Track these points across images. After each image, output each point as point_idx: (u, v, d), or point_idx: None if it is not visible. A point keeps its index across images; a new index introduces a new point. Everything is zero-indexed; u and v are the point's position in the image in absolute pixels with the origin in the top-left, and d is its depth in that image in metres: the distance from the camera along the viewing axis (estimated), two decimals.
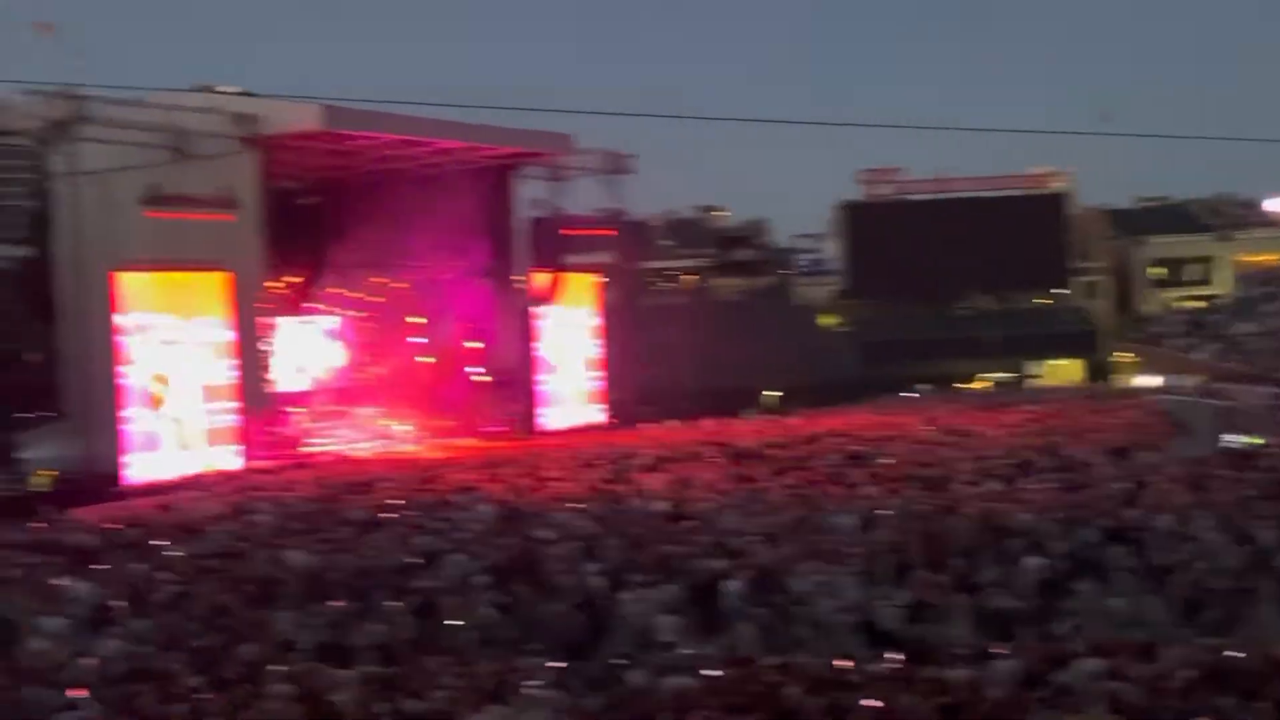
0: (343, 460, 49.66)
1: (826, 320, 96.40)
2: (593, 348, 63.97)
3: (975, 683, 13.79)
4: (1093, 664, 14.62)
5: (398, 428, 56.28)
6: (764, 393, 70.70)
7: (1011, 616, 19.99)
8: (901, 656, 16.20)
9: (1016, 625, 19.59)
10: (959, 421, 50.62)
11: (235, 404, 46.66)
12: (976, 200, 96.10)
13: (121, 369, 43.32)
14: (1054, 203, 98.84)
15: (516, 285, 60.94)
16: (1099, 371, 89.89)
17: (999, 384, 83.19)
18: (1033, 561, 22.16)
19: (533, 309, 60.61)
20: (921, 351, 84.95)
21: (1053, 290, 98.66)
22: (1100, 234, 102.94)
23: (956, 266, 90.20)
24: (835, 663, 15.88)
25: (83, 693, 15.37)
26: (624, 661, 18.04)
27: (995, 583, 21.42)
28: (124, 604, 22.85)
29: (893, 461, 38.50)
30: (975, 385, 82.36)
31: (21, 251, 65.38)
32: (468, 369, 59.63)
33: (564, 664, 17.69)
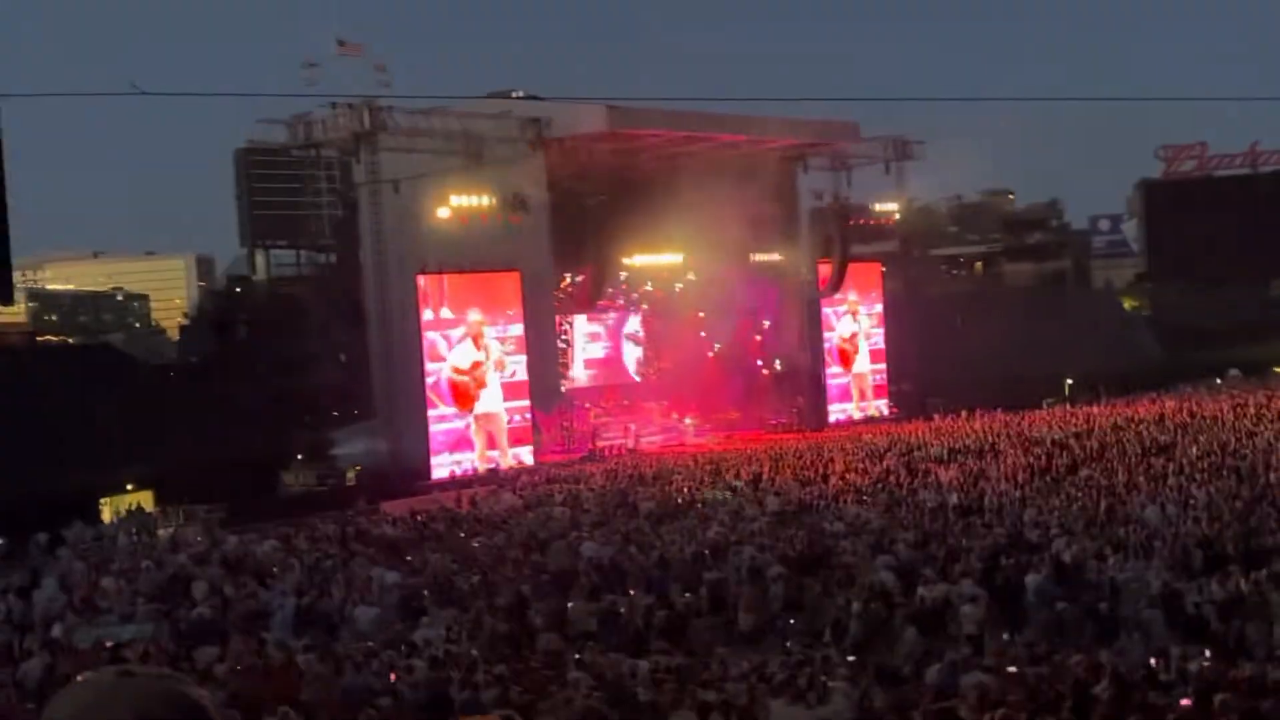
0: (633, 453, 50.58)
1: (1127, 304, 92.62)
2: (879, 338, 63.20)
3: None
4: None
5: (686, 421, 56.91)
6: (1063, 381, 68.39)
7: None
8: (1213, 654, 15.47)
9: None
10: (1275, 407, 47.81)
11: (530, 400, 48.07)
12: None
13: (425, 368, 45.19)
14: None
15: (801, 277, 60.72)
16: None
17: None
18: None
19: (818, 300, 60.27)
20: (1231, 335, 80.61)
21: None
22: None
23: (1269, 244, 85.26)
24: (1145, 660, 15.28)
25: (395, 678, 16.14)
26: (922, 656, 17.80)
27: None
28: (431, 593, 23.89)
29: (1201, 451, 36.70)
30: None
31: (329, 257, 69.30)
32: (754, 361, 59.77)
33: (857, 657, 17.57)
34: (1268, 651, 15.82)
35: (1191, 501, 27.80)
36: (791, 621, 21.59)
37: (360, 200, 48.48)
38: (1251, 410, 47.44)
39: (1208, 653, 15.68)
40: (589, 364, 57.58)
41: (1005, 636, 19.28)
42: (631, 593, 22.92)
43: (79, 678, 1.97)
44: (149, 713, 1.85)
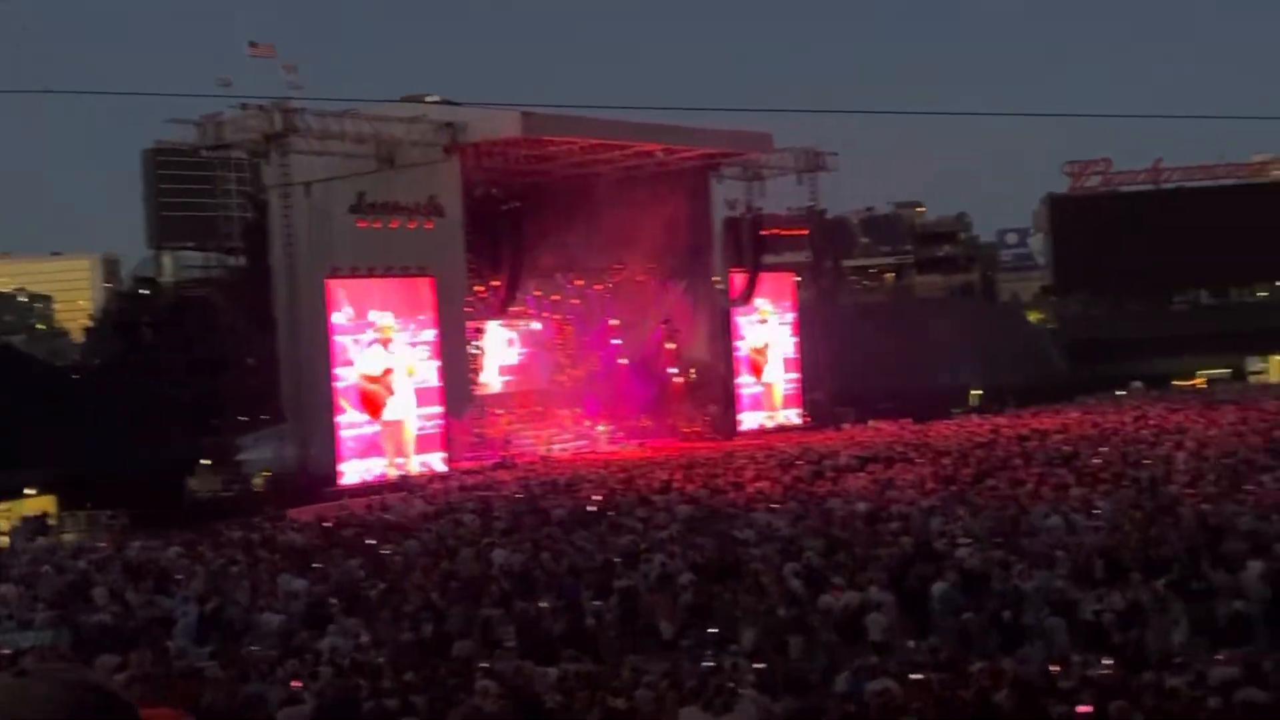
0: (545, 460, 50.50)
1: (1033, 317, 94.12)
2: (790, 348, 63.67)
3: (1195, 692, 13.29)
4: None
5: (598, 428, 56.96)
6: (969, 392, 69.39)
7: (1235, 622, 19.20)
8: (1113, 662, 15.75)
9: (1239, 631, 18.83)
10: (1174, 420, 48.85)
11: (442, 406, 47.79)
12: (1192, 191, 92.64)
13: (335, 373, 44.73)
14: (1274, 192, 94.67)
15: (714, 286, 61.06)
16: None
17: (1218, 381, 79.98)
18: (1256, 565, 21.25)
19: (730, 309, 60.64)
20: (1134, 348, 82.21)
21: (1275, 282, 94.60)
22: None
23: (1171, 260, 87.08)
24: (1046, 667, 15.51)
25: (299, 685, 15.96)
26: (827, 663, 17.94)
27: (1215, 587, 20.60)
28: (338, 601, 23.66)
29: (1104, 462, 37.37)
30: (1192, 382, 79.32)
31: (238, 260, 68.47)
32: (666, 370, 59.98)
33: (765, 664, 17.66)
34: (1165, 659, 16.13)
35: (1094, 511, 28.29)
36: (702, 629, 21.66)
37: (270, 202, 47.92)
38: (1153, 422, 48.43)
39: (1107, 661, 15.95)
40: (502, 370, 57.40)
41: (911, 644, 19.49)
42: (542, 600, 22.87)
43: None
44: (53, 706, 1.78)
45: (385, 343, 46.39)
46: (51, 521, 40.19)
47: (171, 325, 63.30)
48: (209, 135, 47.23)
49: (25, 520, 39.13)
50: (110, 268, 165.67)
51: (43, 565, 28.84)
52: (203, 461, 49.33)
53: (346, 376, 45.21)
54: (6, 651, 19.48)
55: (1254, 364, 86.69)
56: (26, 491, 41.40)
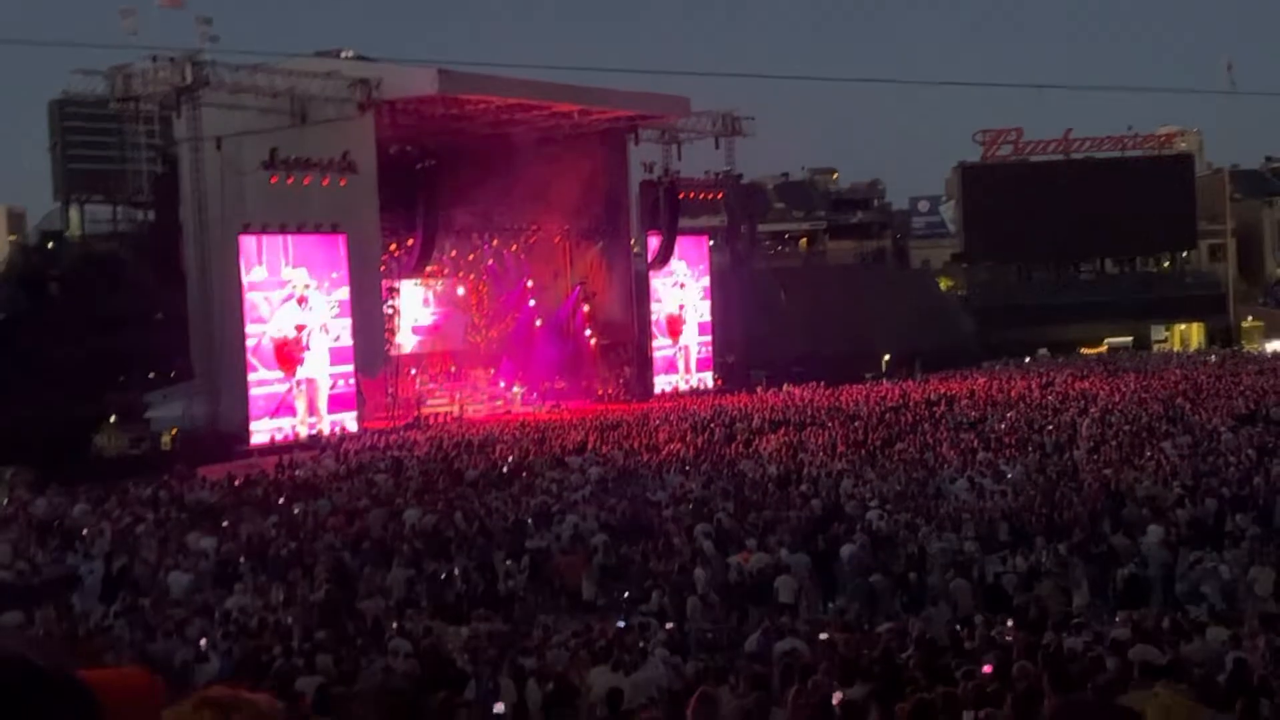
0: (458, 420, 50.31)
1: (944, 284, 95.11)
2: (705, 310, 63.86)
3: (1092, 651, 13.60)
4: (1217, 633, 14.37)
5: (513, 389, 56.80)
6: (880, 357, 70.06)
7: (1133, 585, 19.68)
8: (1015, 623, 16.06)
9: (1138, 594, 19.30)
10: (1079, 387, 49.77)
11: (355, 365, 47.38)
12: (1100, 161, 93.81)
13: (246, 330, 44.15)
14: (1180, 164, 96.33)
15: (630, 248, 61.00)
16: (1225, 336, 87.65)
17: (1121, 348, 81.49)
18: (1156, 530, 21.78)
19: (646, 272, 60.66)
20: (1041, 316, 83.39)
21: (1178, 253, 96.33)
22: (1228, 196, 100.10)
23: (1079, 229, 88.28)
24: (951, 628, 15.79)
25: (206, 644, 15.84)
26: (736, 625, 18.12)
27: (1116, 550, 21.09)
28: (247, 560, 23.48)
29: (1010, 427, 38.01)
30: (1097, 350, 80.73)
31: (147, 215, 67.20)
32: (582, 331, 59.92)
33: (675, 624, 17.81)
34: (1064, 620, 16.48)
35: (1000, 476, 28.81)
36: (614, 589, 21.79)
37: (181, 157, 47.02)
38: (1058, 389, 49.30)
39: (1010, 622, 16.27)
40: (416, 330, 56.97)
41: (820, 605, 19.75)
42: (454, 560, 22.86)
43: None
44: None
45: (301, 300, 45.83)
46: None
47: (78, 280, 61.95)
48: (118, 87, 46.16)
49: None
50: (15, 221, 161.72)
51: None
52: (110, 419, 48.48)
53: (259, 334, 44.66)
54: None
55: (1157, 333, 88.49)
56: None
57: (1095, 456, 31.06)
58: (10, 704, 1.66)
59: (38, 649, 1.72)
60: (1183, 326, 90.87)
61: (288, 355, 45.32)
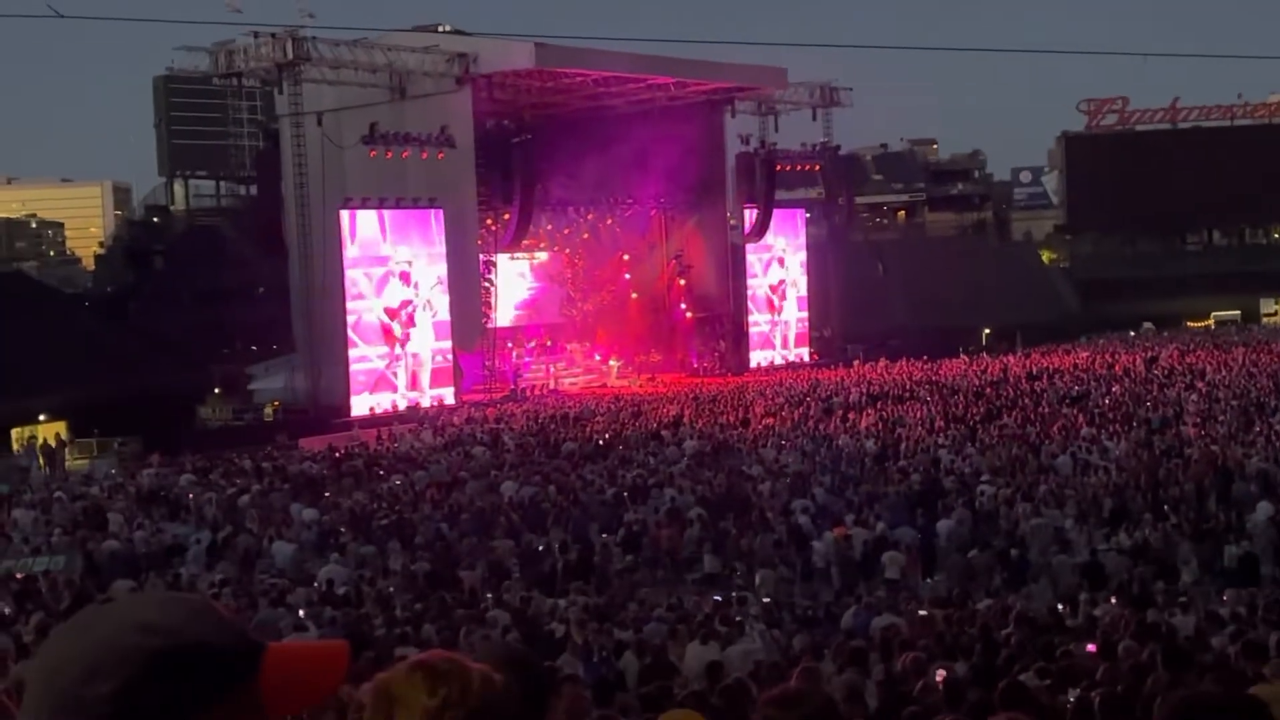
0: (555, 393, 50.58)
1: (1046, 256, 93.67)
2: (802, 285, 63.49)
3: (1200, 631, 13.35)
4: None
5: (609, 363, 56.96)
6: (980, 330, 69.22)
7: (1242, 563, 19.27)
8: (1117, 600, 15.80)
9: (1247, 572, 18.90)
10: (1186, 361, 48.76)
11: (453, 340, 47.77)
12: (1208, 131, 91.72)
13: (348, 304, 44.64)
14: None
15: (726, 221, 60.74)
16: None
17: (1229, 322, 79.68)
18: (1265, 507, 21.29)
19: (743, 245, 60.38)
20: (1146, 288, 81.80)
21: None
22: None
23: (1186, 200, 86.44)
24: (1053, 605, 15.58)
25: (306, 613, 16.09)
26: (833, 600, 18.04)
27: (1224, 528, 20.67)
28: (348, 530, 23.83)
29: (1114, 402, 37.37)
30: (1204, 323, 79.01)
31: (249, 189, 68.29)
32: (678, 305, 59.85)
33: (772, 598, 17.77)
34: (1172, 599, 16.19)
35: (1104, 451, 28.34)
36: (709, 562, 21.78)
37: (282, 132, 47.64)
38: (1163, 363, 48.35)
39: (1113, 600, 16.02)
40: (513, 305, 57.30)
41: (919, 580, 19.60)
42: (551, 533, 23.00)
43: (65, 625, 1.71)
44: (171, 622, 1.64)
45: (404, 275, 46.25)
46: (63, 446, 40.38)
47: (183, 254, 63.25)
48: (221, 64, 46.89)
49: (35, 442, 39.28)
50: (121, 196, 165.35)
51: (56, 491, 29.02)
52: (214, 390, 49.44)
53: (359, 309, 45.13)
54: (19, 575, 19.66)
55: (1267, 306, 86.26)
56: (39, 418, 41.53)
57: (1202, 432, 30.43)
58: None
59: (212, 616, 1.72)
60: None
61: (391, 331, 45.79)
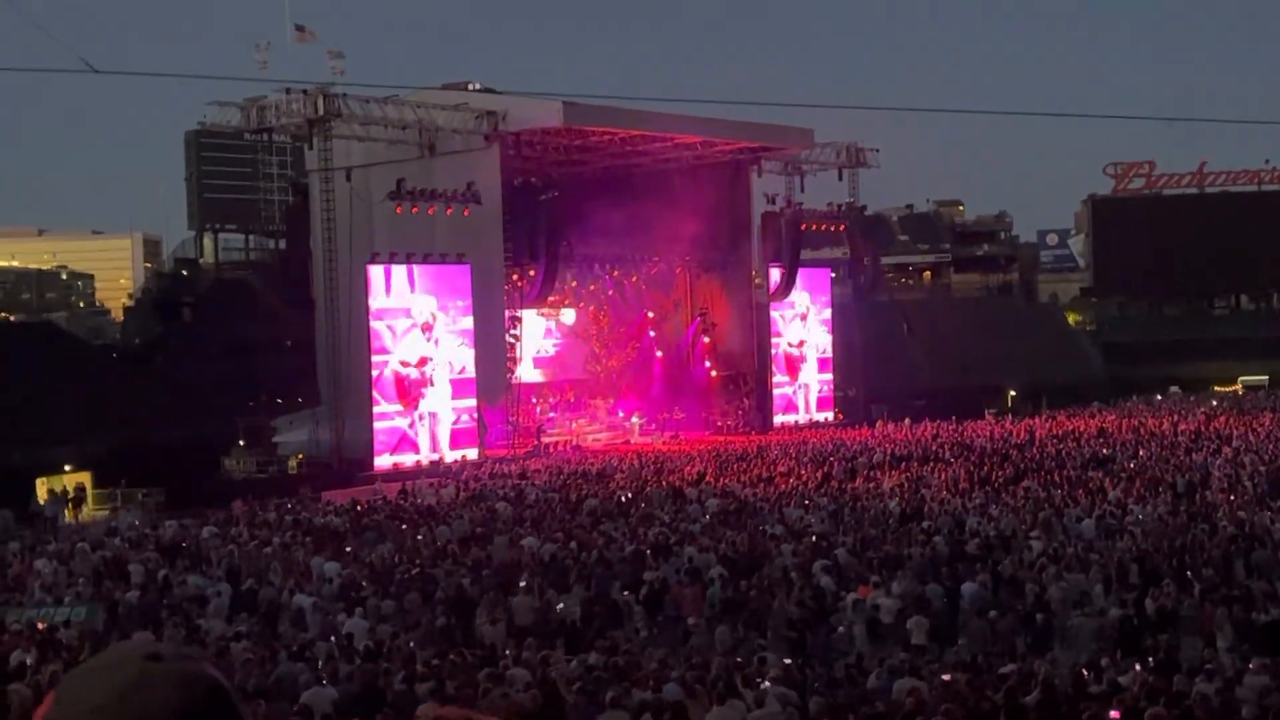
0: (578, 450, 50.54)
1: (1072, 318, 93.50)
2: (827, 346, 63.43)
3: (1226, 698, 13.19)
4: None
5: (632, 419, 56.95)
6: (1006, 392, 68.98)
7: (1271, 630, 19.04)
8: (1142, 667, 15.64)
9: (1275, 639, 18.67)
10: (1212, 426, 48.47)
11: (477, 395, 47.80)
12: (1236, 195, 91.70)
13: (372, 358, 44.75)
14: None
15: (751, 280, 60.86)
16: None
17: (1257, 387, 79.20)
18: None
19: (767, 304, 60.45)
20: (1172, 352, 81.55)
21: None
22: None
23: (1213, 264, 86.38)
24: (1077, 670, 15.42)
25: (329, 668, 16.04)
26: (855, 662, 17.90)
27: (1251, 594, 20.45)
28: (370, 584, 23.77)
29: (1140, 466, 37.12)
30: (1231, 388, 78.58)
31: (278, 243, 68.74)
32: (702, 363, 59.90)
33: (793, 660, 17.64)
34: (1198, 665, 16.01)
35: (1129, 516, 28.12)
36: (731, 622, 21.63)
37: (312, 186, 48.10)
38: (1191, 428, 48.06)
39: (1138, 666, 15.85)
40: (537, 361, 57.43)
41: (939, 646, 19.42)
42: (573, 589, 22.90)
43: (96, 662, 1.79)
44: (187, 701, 1.71)
45: (426, 328, 46.28)
46: (86, 498, 40.51)
47: (211, 306, 63.57)
48: (252, 118, 47.36)
49: (60, 494, 39.42)
50: (151, 248, 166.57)
51: (78, 542, 29.08)
52: (239, 442, 49.54)
53: (383, 364, 45.22)
54: (42, 626, 19.67)
55: None
56: (65, 468, 41.69)
57: (1230, 498, 30.19)
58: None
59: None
60: None
61: (407, 390, 45.71)
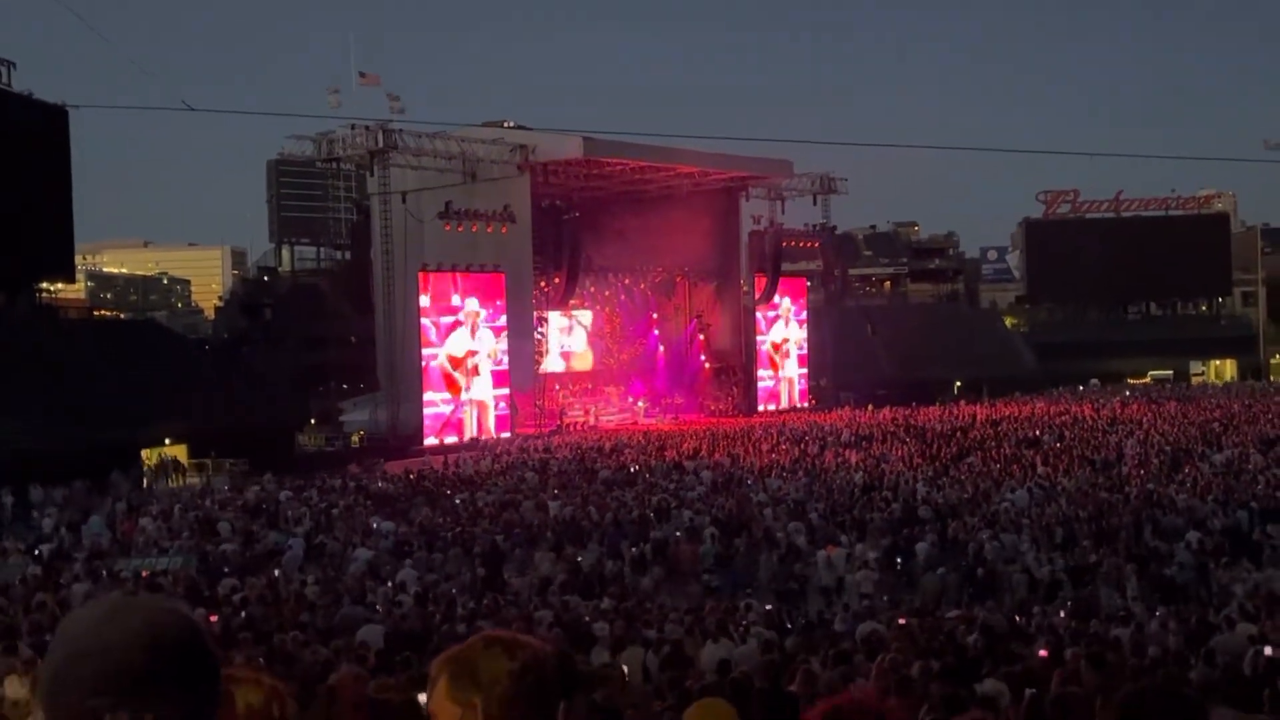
0: (593, 429, 50.54)
1: (1009, 322, 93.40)
2: (804, 343, 63.41)
3: (1137, 639, 13.18)
4: (1244, 628, 13.82)
5: (638, 404, 56.95)
6: (953, 383, 68.88)
7: (1171, 584, 19.05)
8: (1065, 613, 15.64)
9: (1175, 592, 18.69)
10: (1126, 412, 48.37)
11: (509, 384, 47.82)
12: (1147, 219, 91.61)
13: (422, 351, 44.82)
14: (1217, 222, 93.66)
15: (740, 287, 60.93)
16: (1255, 372, 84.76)
17: (1163, 380, 79.04)
18: (1191, 536, 21.06)
19: (753, 307, 60.51)
20: (1093, 351, 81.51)
21: (1214, 299, 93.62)
22: (1259, 250, 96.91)
23: (1128, 277, 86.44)
24: (1011, 616, 15.43)
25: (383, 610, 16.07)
26: (826, 606, 17.91)
27: (1157, 553, 20.45)
28: (419, 541, 23.82)
29: (1065, 445, 37.06)
30: (1142, 381, 78.45)
31: (344, 255, 68.81)
32: (698, 357, 59.91)
33: (773, 605, 17.67)
34: (1111, 612, 16.00)
35: (1055, 487, 28.10)
36: (722, 573, 21.67)
37: (372, 207, 48.17)
38: (1108, 413, 47.99)
39: (1063, 612, 15.86)
40: (560, 354, 57.43)
41: (888, 596, 19.41)
42: (588, 546, 22.94)
43: (89, 604, 1.71)
44: (157, 625, 1.61)
45: (472, 327, 46.32)
46: (184, 466, 40.54)
47: (288, 307, 63.70)
48: (322, 150, 47.53)
49: (161, 463, 39.49)
50: (238, 258, 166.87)
51: (175, 503, 29.16)
52: (310, 421, 49.63)
53: (432, 356, 45.24)
54: (145, 574, 19.73)
55: (1195, 367, 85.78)
56: (165, 441, 41.73)
57: (1140, 472, 30.16)
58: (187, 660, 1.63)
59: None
60: (1217, 362, 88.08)
61: (453, 379, 45.72)
